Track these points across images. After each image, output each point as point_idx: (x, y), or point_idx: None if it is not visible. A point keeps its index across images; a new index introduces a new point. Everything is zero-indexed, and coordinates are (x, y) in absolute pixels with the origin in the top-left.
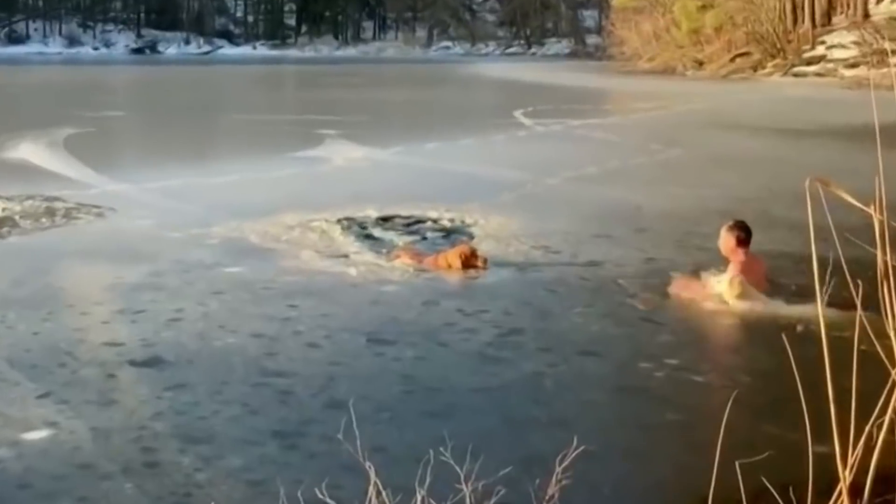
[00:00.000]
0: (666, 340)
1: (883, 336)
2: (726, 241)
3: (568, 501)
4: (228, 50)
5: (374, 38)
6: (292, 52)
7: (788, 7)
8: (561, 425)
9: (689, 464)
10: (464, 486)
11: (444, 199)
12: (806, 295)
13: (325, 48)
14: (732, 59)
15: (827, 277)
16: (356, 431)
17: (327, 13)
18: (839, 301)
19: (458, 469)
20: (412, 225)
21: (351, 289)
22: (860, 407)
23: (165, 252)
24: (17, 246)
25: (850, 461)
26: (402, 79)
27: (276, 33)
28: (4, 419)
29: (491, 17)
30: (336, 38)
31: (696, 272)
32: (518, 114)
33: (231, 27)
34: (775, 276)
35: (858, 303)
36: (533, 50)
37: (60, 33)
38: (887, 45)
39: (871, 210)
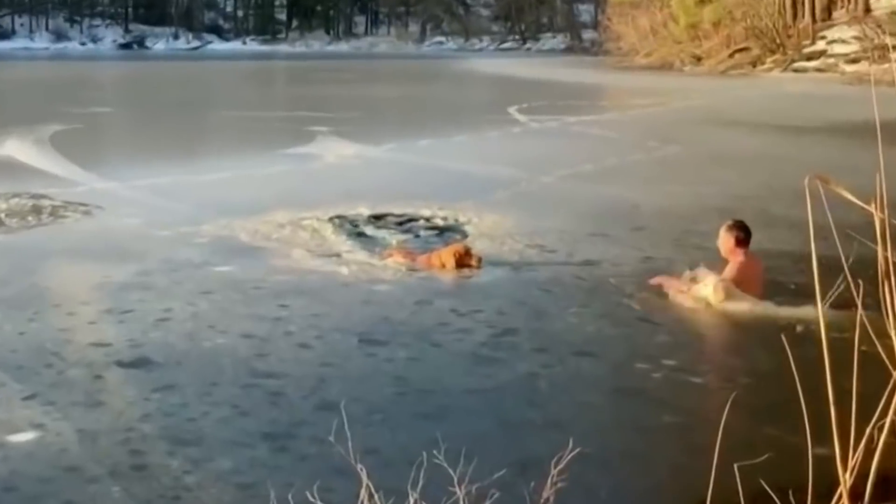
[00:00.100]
0: (663, 341)
1: (884, 336)
2: (725, 241)
3: None
4: (218, 45)
5: (366, 32)
6: (283, 48)
7: (788, 1)
8: (556, 427)
9: (687, 466)
10: (457, 489)
11: (438, 197)
12: (806, 295)
13: (317, 43)
14: (731, 55)
15: (837, 279)
16: (348, 433)
17: (318, 8)
18: (839, 300)
19: (451, 472)
20: (405, 223)
21: (343, 288)
22: (861, 408)
23: (154, 251)
24: (2, 244)
25: (850, 464)
26: (394, 74)
27: (266, 28)
28: None
29: (485, 12)
30: (327, 33)
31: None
32: (513, 110)
33: (220, 22)
34: (775, 276)
35: (859, 302)
36: (528, 45)
37: (47, 28)
38: (889, 40)
39: (871, 208)
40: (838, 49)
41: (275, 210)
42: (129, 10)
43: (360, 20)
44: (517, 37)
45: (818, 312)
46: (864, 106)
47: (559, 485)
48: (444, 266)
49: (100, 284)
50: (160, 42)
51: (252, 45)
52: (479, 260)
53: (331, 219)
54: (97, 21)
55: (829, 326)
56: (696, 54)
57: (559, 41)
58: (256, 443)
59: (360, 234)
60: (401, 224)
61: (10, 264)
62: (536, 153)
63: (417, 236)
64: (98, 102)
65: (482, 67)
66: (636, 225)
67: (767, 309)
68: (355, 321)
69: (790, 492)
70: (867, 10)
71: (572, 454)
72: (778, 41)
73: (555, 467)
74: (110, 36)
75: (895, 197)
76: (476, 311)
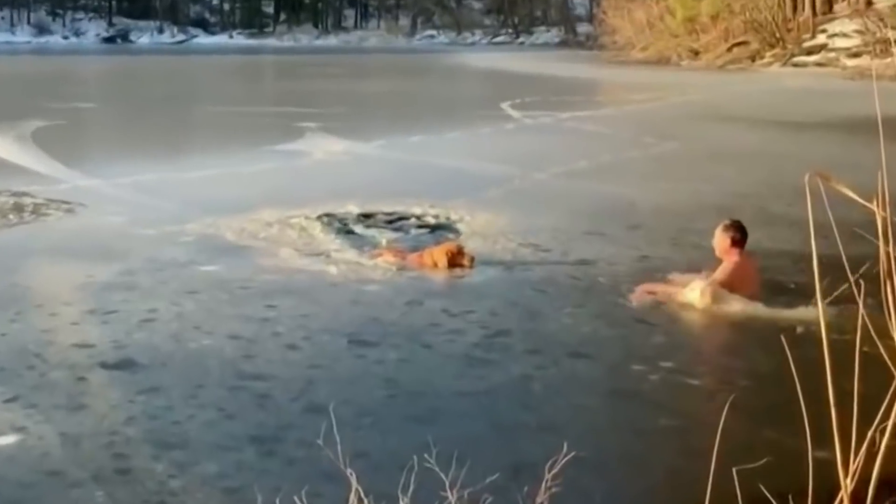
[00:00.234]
0: (660, 342)
1: (886, 336)
2: (721, 241)
3: None
4: (203, 39)
5: (355, 26)
6: (270, 42)
7: None
8: (550, 430)
9: (685, 470)
10: (449, 494)
11: (429, 195)
12: (806, 294)
13: (305, 37)
14: (729, 49)
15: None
16: (337, 437)
17: (307, 1)
18: (840, 300)
19: (443, 476)
20: (395, 222)
21: (331, 288)
22: (862, 411)
23: (138, 250)
24: None
25: (851, 468)
26: (384, 69)
27: (253, 22)
28: None
29: (477, 5)
30: (316, 26)
31: (662, 277)
32: (506, 105)
33: (206, 15)
34: (775, 275)
35: (861, 302)
36: (521, 39)
37: (29, 22)
38: (891, 34)
39: (873, 205)
40: (839, 43)
41: (262, 208)
42: (113, 3)
43: (350, 13)
44: (510, 30)
45: (819, 312)
46: (866, 101)
47: (553, 489)
48: (435, 265)
49: (83, 284)
50: (144, 36)
51: (239, 39)
52: (472, 259)
53: (319, 217)
54: (80, 14)
55: (829, 327)
56: (694, 48)
57: (553, 35)
58: (243, 446)
59: (350, 233)
60: (391, 222)
61: None
62: (530, 150)
63: (408, 235)
64: (81, 98)
65: (474, 62)
66: (632, 223)
67: (764, 309)
68: (344, 322)
69: (790, 496)
70: (869, 3)
71: (567, 458)
72: (777, 35)
73: (549, 471)
74: (93, 29)
75: None
76: (468, 312)
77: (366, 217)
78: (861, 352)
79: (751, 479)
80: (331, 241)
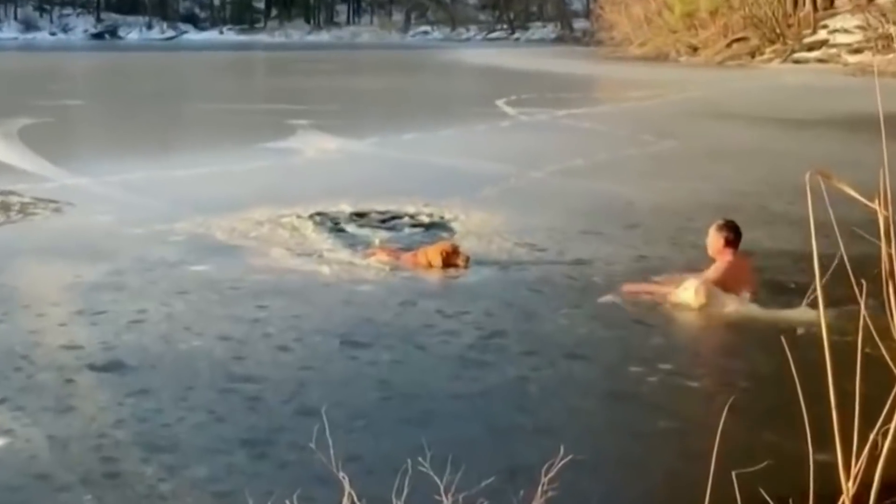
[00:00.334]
0: (658, 343)
1: (888, 338)
2: (714, 241)
3: None
4: (193, 35)
5: (348, 22)
6: (261, 38)
7: None
8: (547, 433)
9: (683, 474)
10: (444, 498)
11: (423, 194)
12: (806, 294)
13: (297, 33)
14: (729, 45)
15: (839, 278)
16: (329, 440)
17: None
18: (841, 301)
19: (437, 480)
20: (389, 221)
21: (324, 288)
22: (864, 413)
23: (127, 249)
24: None
25: (853, 471)
26: (378, 65)
27: (244, 17)
28: None
29: (472, 0)
30: (308, 22)
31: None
32: (501, 103)
33: (196, 11)
34: (775, 275)
35: (862, 303)
36: (516, 35)
37: (16, 18)
38: (893, 30)
39: (875, 204)
40: (841, 39)
41: (253, 207)
42: None
43: (342, 9)
44: (505, 26)
45: (820, 313)
46: (868, 98)
47: (550, 493)
48: (429, 265)
49: (71, 284)
50: (133, 32)
51: (229, 35)
52: (467, 259)
53: (311, 216)
54: (68, 10)
55: (830, 328)
56: (693, 44)
57: (549, 31)
58: (234, 449)
59: (342, 232)
60: (384, 221)
61: None
62: (526, 147)
63: (402, 234)
64: (69, 95)
65: (469, 58)
66: (630, 222)
67: (764, 310)
68: (337, 323)
69: (790, 500)
70: None
71: (563, 461)
72: (778, 30)
73: (545, 475)
74: (81, 25)
75: None
76: (463, 313)
77: (359, 216)
78: (863, 353)
79: (751, 483)
80: (323, 241)
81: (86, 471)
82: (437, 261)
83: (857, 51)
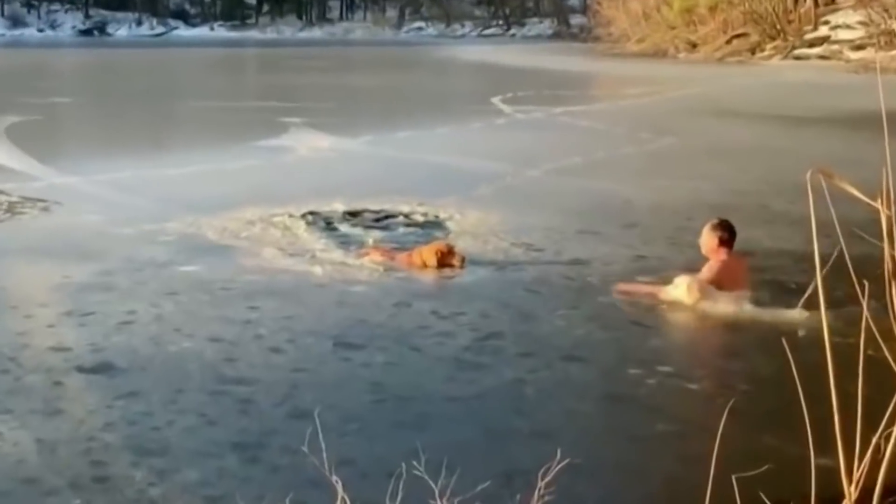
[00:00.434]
0: (657, 345)
1: (890, 339)
2: (708, 240)
3: None
4: (184, 31)
5: (340, 18)
6: (253, 34)
7: None
8: (543, 436)
9: (682, 478)
10: (438, 503)
11: (418, 193)
12: (808, 295)
13: (289, 29)
14: (728, 41)
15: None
16: (322, 443)
17: None
18: (843, 302)
19: (432, 484)
20: (383, 220)
21: (316, 289)
22: (866, 416)
23: (116, 249)
24: None
25: (855, 475)
26: (371, 62)
27: (234, 13)
28: None
29: None
30: (300, 18)
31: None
32: (497, 100)
33: (186, 7)
34: (775, 275)
35: (864, 304)
36: (512, 31)
37: (3, 14)
38: None
39: (877, 203)
40: (843, 35)
41: (244, 206)
42: None
43: (335, 5)
44: (501, 22)
45: (821, 314)
46: (870, 95)
47: (546, 497)
48: (424, 265)
49: (59, 285)
50: (122, 28)
51: (220, 32)
52: (462, 259)
53: (304, 215)
54: (56, 6)
55: (832, 329)
56: (692, 40)
57: (546, 27)
58: (225, 453)
59: (335, 232)
60: (378, 221)
61: None
62: (522, 146)
63: (396, 234)
64: (57, 92)
65: (464, 54)
66: (628, 222)
67: (765, 311)
68: (330, 324)
69: None
70: None
71: (560, 465)
72: (778, 26)
73: (542, 479)
74: (70, 22)
75: None
76: (458, 314)
77: (352, 215)
78: (865, 355)
79: (751, 487)
80: (316, 241)
81: (74, 475)
82: (432, 261)
83: (860, 47)
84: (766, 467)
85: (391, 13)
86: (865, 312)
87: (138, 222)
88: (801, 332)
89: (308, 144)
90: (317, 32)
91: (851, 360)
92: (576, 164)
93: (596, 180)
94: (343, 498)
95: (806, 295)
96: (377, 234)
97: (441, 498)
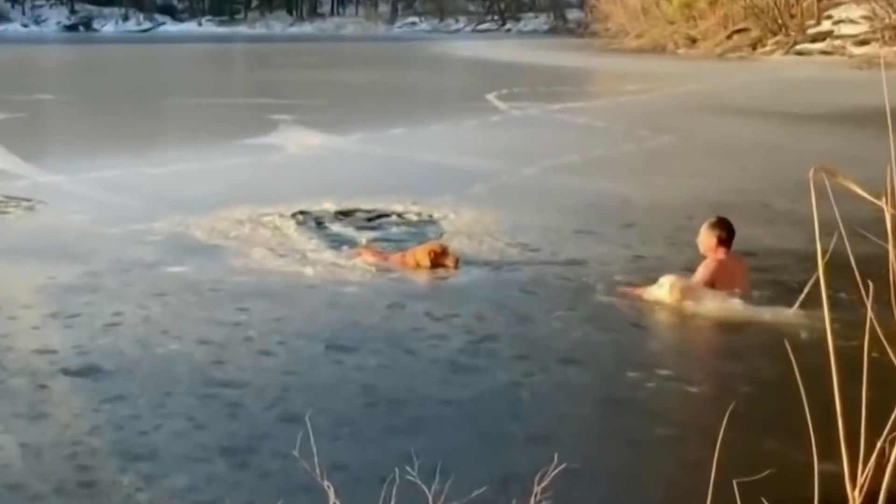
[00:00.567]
0: (656, 347)
1: (895, 341)
2: (706, 239)
3: None
4: (171, 27)
5: (331, 13)
6: (242, 29)
7: None
8: (540, 441)
9: (682, 483)
10: None
11: (411, 192)
12: (810, 296)
13: (278, 25)
14: (729, 36)
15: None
16: (313, 448)
17: None
18: (847, 303)
19: (426, 489)
20: (375, 220)
21: (307, 290)
22: (871, 420)
23: (102, 250)
24: None
25: (859, 480)
26: (363, 58)
27: (223, 8)
28: None
29: None
30: (290, 13)
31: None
32: (492, 97)
33: (174, 2)
34: (777, 275)
35: (868, 305)
36: (508, 26)
37: None
38: None
39: (881, 202)
40: (846, 30)
41: (233, 205)
42: None
43: None
44: (496, 17)
45: (824, 316)
46: (874, 91)
47: (543, 503)
48: (417, 266)
49: (44, 286)
50: (109, 24)
51: (208, 27)
52: (456, 259)
53: (294, 215)
54: (40, 1)
55: (835, 331)
56: (691, 36)
57: (542, 21)
58: (214, 458)
59: (327, 232)
60: (370, 220)
61: None
62: (518, 143)
63: (389, 234)
64: (42, 89)
65: (458, 50)
66: (626, 221)
67: (766, 312)
68: (321, 326)
69: None
70: None
71: (557, 470)
72: (780, 21)
73: (538, 484)
74: (55, 17)
75: None
76: (452, 315)
77: (344, 215)
78: (869, 357)
79: (753, 493)
80: (306, 241)
81: (60, 480)
82: (426, 261)
83: (863, 42)
84: (767, 472)
85: (383, 8)
86: (870, 314)
87: (125, 222)
88: (803, 334)
89: (298, 142)
90: (307, 28)
91: (855, 363)
92: (573, 162)
93: (593, 179)
94: (335, 503)
95: (804, 294)
96: (369, 233)
97: (435, 503)
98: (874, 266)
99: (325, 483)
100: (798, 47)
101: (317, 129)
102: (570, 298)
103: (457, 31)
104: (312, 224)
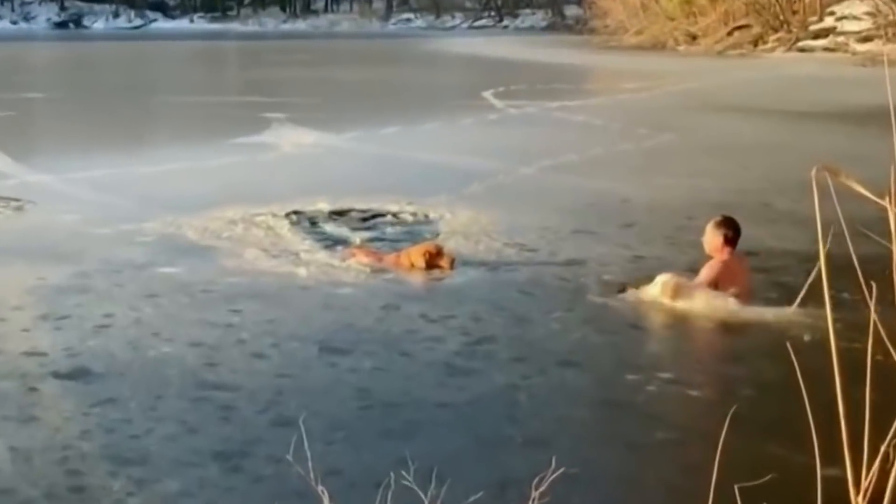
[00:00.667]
0: (656, 349)
1: None
2: (712, 238)
3: None
4: (163, 23)
5: (325, 9)
6: (234, 26)
7: None
8: (537, 445)
9: (683, 488)
10: None
11: (406, 191)
12: (813, 297)
13: (271, 21)
14: (730, 33)
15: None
16: (307, 452)
17: None
18: (850, 304)
19: (421, 494)
20: (369, 220)
21: (301, 291)
22: (874, 424)
23: (92, 250)
24: None
25: (863, 485)
26: (357, 56)
27: (215, 5)
28: None
29: None
30: (283, 10)
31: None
32: (488, 94)
33: None
34: (780, 276)
35: (872, 306)
36: (505, 22)
37: None
38: None
39: (885, 202)
40: (849, 26)
41: (226, 205)
42: None
43: None
44: (493, 13)
45: (827, 317)
46: (878, 89)
47: None
48: (412, 267)
49: (33, 287)
50: (99, 20)
51: (200, 24)
52: (452, 260)
53: (287, 215)
54: None
55: (839, 333)
56: (691, 32)
57: (539, 18)
58: (206, 462)
59: (320, 232)
60: (365, 220)
61: None
62: (515, 142)
63: (383, 234)
64: (31, 87)
65: (454, 47)
66: (625, 221)
67: (769, 314)
68: (315, 328)
69: None
70: None
71: (555, 474)
72: (781, 17)
73: (536, 489)
74: (44, 14)
75: None
76: (448, 317)
77: (338, 215)
78: (873, 359)
79: (754, 497)
80: (300, 241)
81: (50, 484)
82: (421, 262)
83: (867, 39)
84: (770, 477)
85: (378, 4)
86: (873, 315)
87: (116, 222)
88: (806, 336)
89: (292, 141)
90: (300, 25)
91: (858, 365)
92: (571, 160)
93: (592, 178)
94: None
95: (802, 293)
96: (364, 234)
97: None
98: (878, 266)
99: (320, 488)
100: (800, 44)
101: (310, 127)
102: (569, 299)
103: (453, 27)
104: (306, 224)
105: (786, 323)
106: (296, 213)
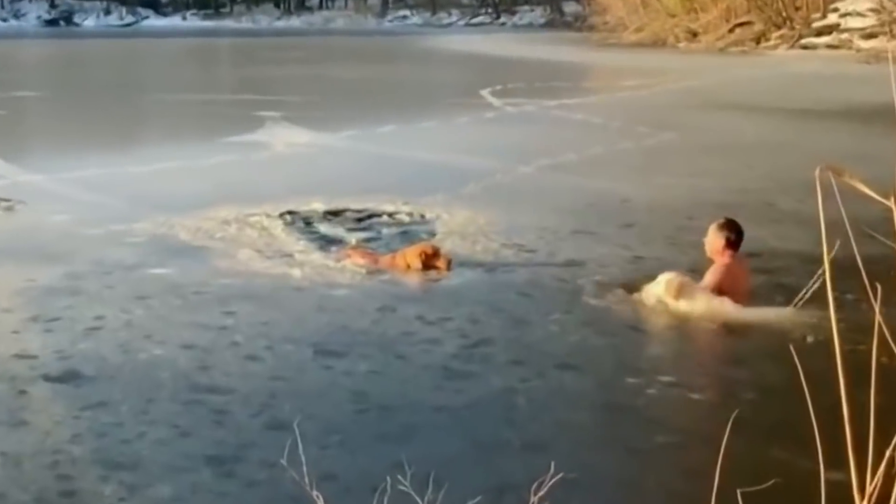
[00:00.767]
0: (656, 352)
1: None
2: (714, 241)
3: None
4: (154, 21)
5: (320, 6)
6: (227, 23)
7: None
8: (536, 449)
9: (684, 493)
10: None
11: (402, 191)
12: (816, 299)
13: (265, 18)
14: (731, 30)
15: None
16: (302, 456)
17: None
18: (854, 305)
19: (418, 499)
20: (365, 220)
21: (295, 293)
22: (879, 427)
23: (83, 251)
24: None
25: (868, 490)
26: (353, 53)
27: (208, 1)
28: None
29: None
30: (277, 6)
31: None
32: (486, 93)
33: None
34: (782, 277)
35: (877, 307)
36: (502, 20)
37: None
38: None
39: (890, 202)
40: (852, 23)
41: (219, 205)
42: None
43: None
44: (490, 10)
45: (831, 319)
46: (882, 87)
47: None
48: (408, 268)
49: (23, 289)
50: (90, 18)
51: (193, 21)
52: (449, 261)
53: (281, 215)
54: None
55: (843, 335)
56: (692, 29)
57: (538, 15)
58: (199, 467)
59: (315, 233)
60: (360, 221)
61: None
62: (513, 141)
63: (379, 235)
64: (21, 86)
65: (451, 44)
66: (625, 221)
67: (771, 315)
68: (309, 330)
69: None
70: None
71: (554, 479)
72: (784, 14)
73: (534, 494)
74: (34, 11)
75: None
76: (445, 319)
77: (333, 215)
78: (878, 361)
79: (757, 502)
80: (294, 242)
81: (40, 489)
82: (417, 263)
83: (871, 36)
84: (773, 481)
85: (373, 1)
86: (878, 316)
87: (107, 222)
88: (809, 338)
89: (286, 140)
90: (295, 22)
91: (863, 367)
92: (570, 160)
93: (591, 177)
94: None
95: (805, 295)
96: (359, 234)
97: None
98: (882, 267)
99: (314, 493)
100: (803, 41)
101: (305, 126)
102: (568, 301)
103: (449, 24)
104: (300, 224)
105: (788, 325)
106: (290, 213)
